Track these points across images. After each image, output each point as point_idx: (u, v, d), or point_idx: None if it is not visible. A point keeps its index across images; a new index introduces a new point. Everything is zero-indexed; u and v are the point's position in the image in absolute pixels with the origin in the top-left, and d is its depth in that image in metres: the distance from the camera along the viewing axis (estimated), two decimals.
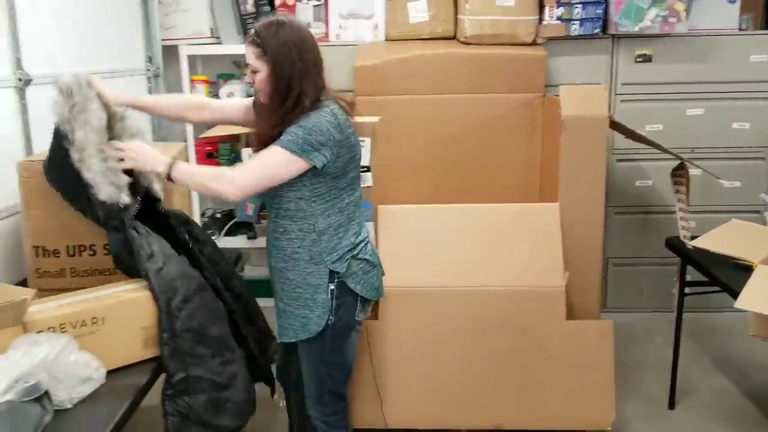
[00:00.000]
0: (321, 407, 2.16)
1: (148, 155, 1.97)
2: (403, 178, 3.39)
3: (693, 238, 2.83)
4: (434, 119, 3.41)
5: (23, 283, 2.24)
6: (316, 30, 3.60)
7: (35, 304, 1.81)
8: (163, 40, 3.58)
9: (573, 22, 3.48)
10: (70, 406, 1.65)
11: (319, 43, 3.52)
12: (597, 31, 3.49)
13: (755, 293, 2.22)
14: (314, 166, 1.91)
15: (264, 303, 2.30)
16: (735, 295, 2.26)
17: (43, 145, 2.44)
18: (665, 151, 2.88)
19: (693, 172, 2.94)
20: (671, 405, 2.93)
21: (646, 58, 3.59)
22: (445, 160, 3.43)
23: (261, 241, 3.67)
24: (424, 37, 3.54)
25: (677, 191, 2.89)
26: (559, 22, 3.47)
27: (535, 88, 3.39)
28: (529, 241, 2.60)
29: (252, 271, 4.03)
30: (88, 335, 1.81)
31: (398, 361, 2.55)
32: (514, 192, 3.35)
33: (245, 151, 3.50)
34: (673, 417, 2.88)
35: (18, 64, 2.38)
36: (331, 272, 2.02)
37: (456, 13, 3.52)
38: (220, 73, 3.78)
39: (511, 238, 2.61)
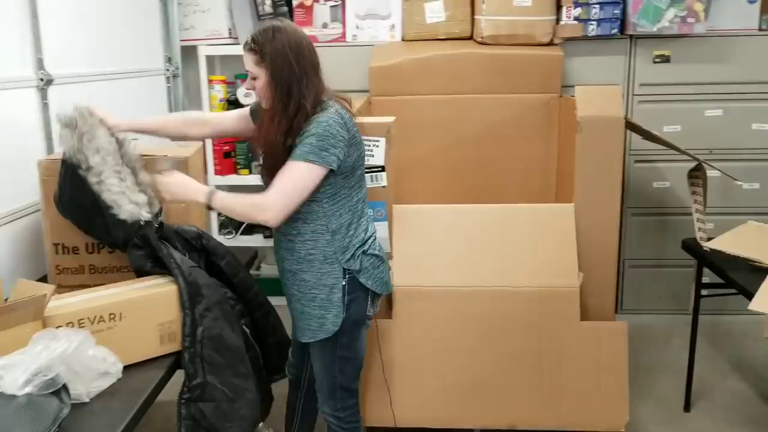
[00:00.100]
0: (333, 402, 2.17)
1: (188, 187, 2.01)
2: (419, 178, 3.40)
3: (710, 239, 2.82)
4: (450, 119, 3.41)
5: (43, 279, 2.29)
6: (332, 30, 3.62)
7: (55, 300, 1.85)
8: (181, 40, 3.62)
9: (590, 23, 3.47)
10: (87, 400, 1.68)
11: (336, 44, 3.63)
12: (615, 31, 3.48)
13: None
14: (331, 169, 1.93)
15: (278, 302, 2.33)
16: (750, 297, 2.24)
17: None
18: (681, 152, 2.87)
19: (711, 173, 2.92)
20: (687, 408, 2.91)
21: (665, 59, 3.57)
22: (461, 161, 3.44)
23: None
24: (440, 37, 3.54)
25: (694, 192, 2.87)
26: (576, 22, 3.47)
27: (552, 89, 3.39)
28: (544, 241, 2.59)
29: (268, 269, 4.06)
30: (106, 331, 1.84)
31: (411, 360, 2.56)
32: (530, 193, 3.35)
33: None
34: (689, 420, 2.86)
35: (40, 64, 2.43)
36: (344, 270, 2.04)
37: (473, 13, 3.52)
38: (238, 73, 3.81)
39: (526, 239, 2.61)
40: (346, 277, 2.04)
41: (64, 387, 1.59)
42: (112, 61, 2.98)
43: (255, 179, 3.53)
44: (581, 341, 2.52)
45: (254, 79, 1.96)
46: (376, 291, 2.11)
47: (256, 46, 1.92)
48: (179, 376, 1.96)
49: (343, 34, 3.65)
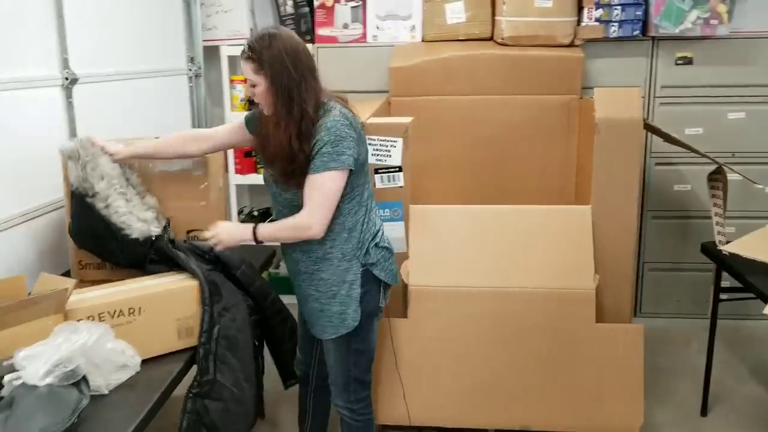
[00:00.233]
0: (347, 395, 2.22)
1: (234, 231, 2.10)
2: (438, 178, 3.41)
3: (728, 243, 2.79)
4: (470, 120, 3.41)
5: (67, 274, 2.34)
6: (353, 31, 3.65)
7: (76, 294, 1.89)
8: (204, 40, 3.67)
9: (612, 24, 3.45)
10: (106, 392, 1.72)
11: (356, 44, 3.65)
12: (636, 33, 3.45)
13: None
14: (350, 169, 1.98)
15: (289, 300, 2.36)
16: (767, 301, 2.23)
17: None
18: (701, 154, 2.85)
19: (732, 176, 2.89)
20: (704, 412, 2.89)
21: (687, 61, 3.54)
22: (481, 162, 3.44)
23: None
24: (460, 38, 3.54)
25: (713, 195, 2.85)
26: (597, 23, 3.45)
27: (572, 90, 3.38)
28: (561, 243, 2.59)
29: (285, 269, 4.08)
30: (125, 325, 1.89)
31: (426, 360, 2.58)
32: (550, 194, 3.34)
33: None
34: (705, 424, 2.84)
35: (65, 63, 2.48)
36: (361, 264, 2.09)
37: (493, 14, 3.52)
38: None
39: (542, 240, 2.61)
40: (361, 270, 2.09)
41: (84, 379, 1.63)
42: (135, 60, 3.04)
43: None
44: (596, 343, 2.52)
45: (254, 86, 1.99)
46: (389, 282, 2.16)
47: (253, 54, 1.95)
48: (195, 370, 1.99)
49: (364, 35, 3.67)
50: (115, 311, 1.88)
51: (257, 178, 3.80)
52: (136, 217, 2.13)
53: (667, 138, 2.95)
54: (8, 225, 2.19)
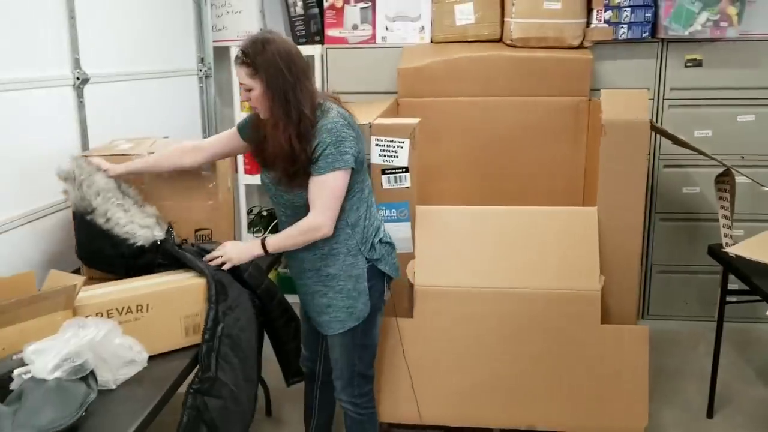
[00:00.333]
0: (351, 390, 2.26)
1: (243, 248, 2.13)
2: (447, 180, 3.42)
3: (735, 245, 2.79)
4: (479, 122, 3.42)
5: (77, 271, 2.36)
6: (362, 32, 3.66)
7: (86, 291, 1.92)
8: (214, 41, 3.70)
9: (621, 26, 3.45)
10: (114, 386, 1.75)
11: (365, 45, 3.67)
12: (646, 35, 3.45)
13: None
14: (352, 167, 2.02)
15: (295, 299, 2.38)
16: None
17: (98, 140, 2.58)
18: (709, 157, 2.84)
19: (740, 179, 2.89)
20: (710, 414, 2.89)
21: (697, 63, 3.54)
22: (489, 163, 3.44)
23: None
24: (469, 39, 3.55)
25: (721, 198, 2.85)
26: (606, 25, 3.45)
27: (581, 92, 3.37)
28: (566, 244, 2.60)
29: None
30: (133, 321, 1.91)
31: (431, 359, 2.59)
32: (558, 196, 3.34)
33: None
34: (711, 426, 2.84)
35: (76, 63, 2.51)
36: (366, 259, 2.13)
37: (502, 15, 3.53)
38: None
39: (548, 241, 2.62)
40: (367, 266, 2.13)
41: (92, 373, 1.65)
42: (146, 61, 3.07)
43: None
44: (601, 344, 2.52)
45: (249, 90, 2.01)
46: (392, 276, 2.21)
47: (247, 59, 1.97)
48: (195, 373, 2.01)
49: (373, 36, 3.69)
50: (123, 308, 1.90)
51: None
52: (137, 225, 2.16)
53: (674, 140, 2.95)
54: (19, 223, 2.22)
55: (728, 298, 2.83)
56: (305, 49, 3.68)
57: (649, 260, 3.73)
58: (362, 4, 3.65)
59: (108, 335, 1.73)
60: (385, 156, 2.56)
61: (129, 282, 2.04)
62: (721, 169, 2.87)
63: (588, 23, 3.46)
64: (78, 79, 2.51)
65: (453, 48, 3.50)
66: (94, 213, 2.15)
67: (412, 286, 2.60)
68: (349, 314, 2.14)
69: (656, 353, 3.32)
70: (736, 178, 2.84)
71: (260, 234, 3.94)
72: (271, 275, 3.08)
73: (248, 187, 3.94)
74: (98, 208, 2.15)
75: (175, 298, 2.00)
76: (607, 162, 2.59)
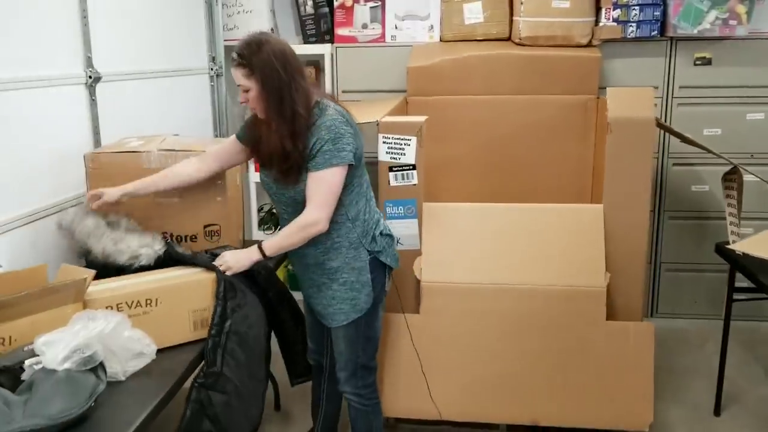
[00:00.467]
0: (354, 381, 2.30)
1: (241, 257, 2.15)
2: (455, 177, 3.43)
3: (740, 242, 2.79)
4: (487, 120, 3.43)
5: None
6: (372, 31, 3.69)
7: (96, 285, 1.96)
8: (225, 40, 3.72)
9: (630, 24, 3.45)
10: (123, 378, 1.79)
11: (375, 44, 3.69)
12: (654, 33, 3.45)
13: None
14: (350, 164, 2.05)
15: (299, 296, 2.40)
16: None
17: (109, 138, 2.62)
18: (716, 155, 2.84)
19: (749, 177, 2.88)
20: (717, 412, 2.89)
21: (706, 61, 3.53)
22: (497, 161, 3.45)
23: None
24: (478, 38, 3.57)
25: (728, 196, 2.85)
26: (615, 24, 3.45)
27: (590, 90, 3.38)
28: (572, 241, 2.61)
29: None
30: (142, 315, 1.95)
31: (437, 355, 2.61)
32: (566, 194, 3.35)
33: None
34: (718, 424, 2.84)
35: (89, 62, 2.55)
36: (368, 251, 2.17)
37: (511, 14, 3.54)
38: None
39: (554, 238, 2.63)
40: (369, 257, 2.17)
41: (101, 365, 1.69)
42: (157, 59, 3.10)
43: None
44: (607, 341, 2.54)
45: (246, 91, 2.04)
46: (393, 266, 2.26)
47: (243, 60, 2.00)
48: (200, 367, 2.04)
49: (383, 35, 3.71)
50: (132, 302, 1.94)
51: None
52: (137, 246, 2.17)
53: (681, 137, 2.95)
54: (33, 218, 2.26)
55: (736, 296, 2.83)
56: (315, 48, 3.75)
57: (658, 258, 3.73)
58: (372, 3, 3.67)
59: (117, 328, 1.77)
60: (392, 153, 2.59)
61: (138, 276, 2.07)
62: (729, 167, 2.86)
63: (597, 22, 3.47)
64: (90, 77, 2.55)
65: (462, 47, 3.51)
66: (92, 254, 2.18)
67: (418, 282, 2.62)
68: (353, 306, 2.18)
69: (664, 351, 3.32)
70: (744, 176, 2.83)
71: (271, 231, 3.98)
72: (279, 272, 3.12)
73: (259, 185, 3.97)
74: (93, 249, 2.17)
75: (184, 292, 2.04)
76: (612, 159, 2.59)
